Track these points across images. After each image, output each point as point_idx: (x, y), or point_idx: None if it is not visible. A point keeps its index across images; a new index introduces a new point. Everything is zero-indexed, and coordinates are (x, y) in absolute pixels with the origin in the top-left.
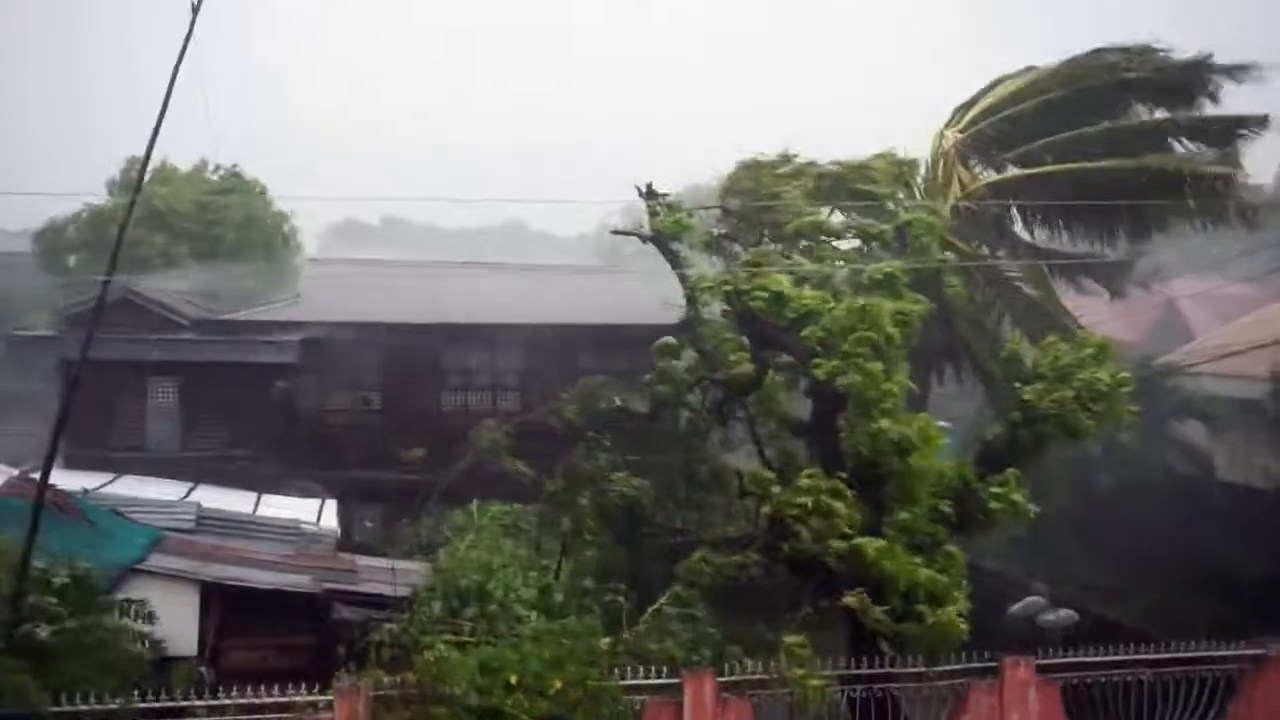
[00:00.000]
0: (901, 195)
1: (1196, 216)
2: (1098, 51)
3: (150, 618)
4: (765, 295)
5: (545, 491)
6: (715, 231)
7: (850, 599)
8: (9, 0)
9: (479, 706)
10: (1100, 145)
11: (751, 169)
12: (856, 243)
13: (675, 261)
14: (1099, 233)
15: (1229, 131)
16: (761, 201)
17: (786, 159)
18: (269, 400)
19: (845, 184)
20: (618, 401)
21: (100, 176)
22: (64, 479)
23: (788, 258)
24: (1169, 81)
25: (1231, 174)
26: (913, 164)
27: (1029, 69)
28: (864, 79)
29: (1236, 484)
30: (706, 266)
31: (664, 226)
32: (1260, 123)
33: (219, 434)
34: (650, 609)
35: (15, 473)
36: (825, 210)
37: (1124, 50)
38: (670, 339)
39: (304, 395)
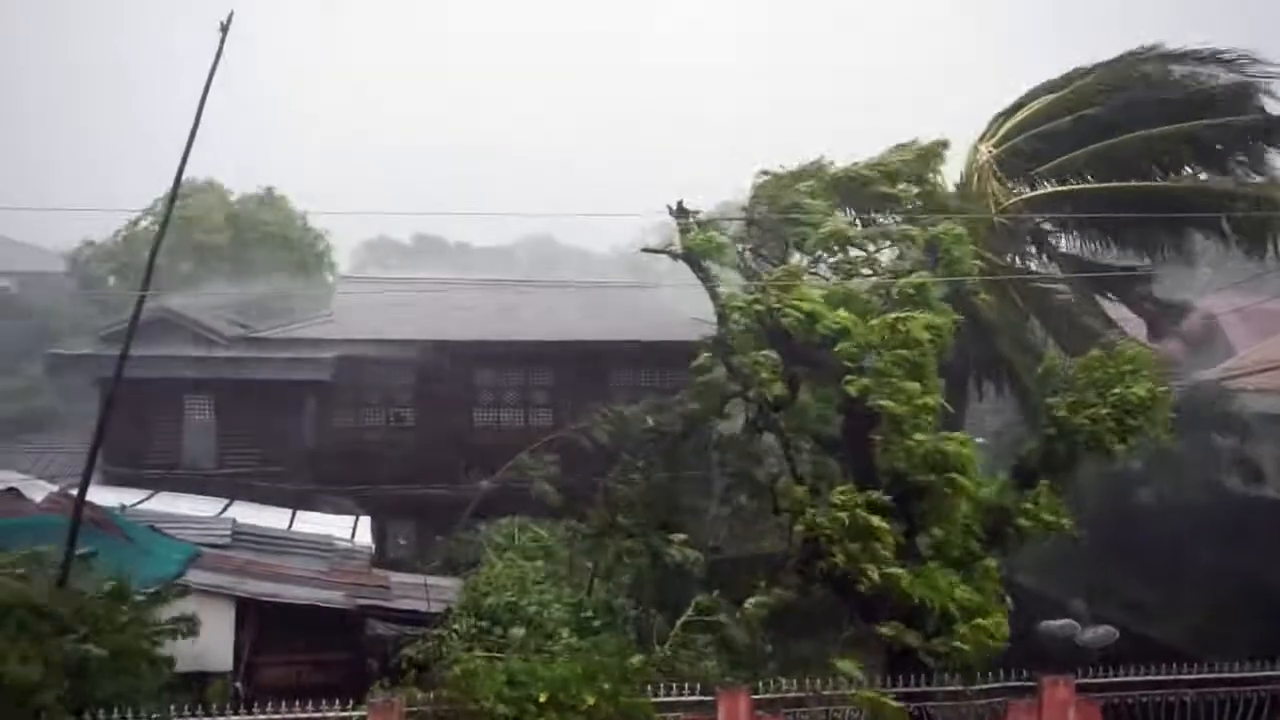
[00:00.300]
0: (931, 178)
1: (1236, 240)
2: (1134, 59)
3: (184, 590)
4: (797, 313)
5: (588, 521)
6: (741, 247)
7: (885, 629)
8: (28, 18)
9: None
10: (1136, 157)
11: (773, 179)
12: (886, 249)
13: (706, 279)
14: (1136, 251)
15: (1268, 138)
16: (785, 214)
17: (814, 167)
18: (303, 417)
19: (870, 186)
20: (649, 422)
21: (142, 196)
22: (102, 495)
23: (814, 273)
24: (1208, 91)
25: (1273, 198)
26: (939, 147)
27: (1064, 78)
28: (899, 81)
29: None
30: (736, 282)
31: (695, 244)
32: None
33: (254, 450)
34: (679, 622)
35: (55, 489)
36: (850, 216)
37: (1161, 57)
38: (707, 356)
39: (338, 412)
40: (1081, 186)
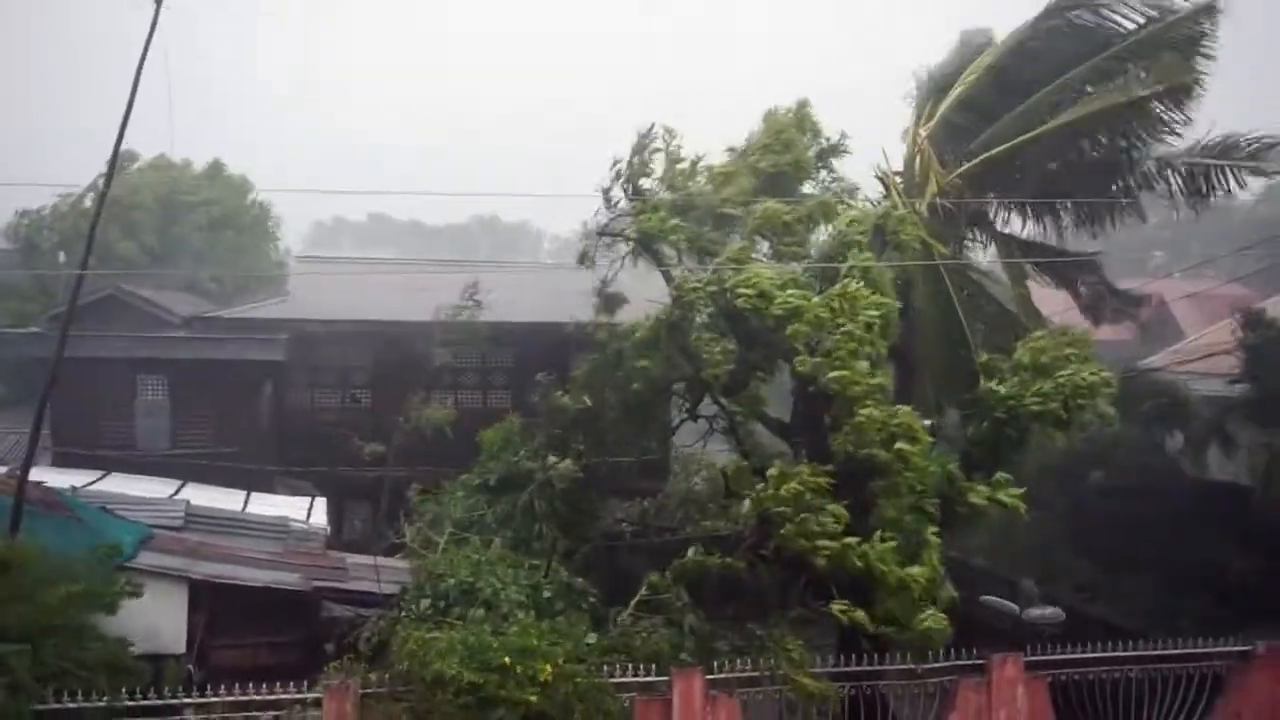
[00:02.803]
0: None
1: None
2: (1041, 16)
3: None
4: (750, 294)
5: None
6: (677, 239)
7: (836, 608)
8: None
9: (470, 685)
10: (1051, 107)
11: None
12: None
13: (659, 262)
14: (1066, 217)
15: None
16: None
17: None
18: (258, 397)
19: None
20: (586, 401)
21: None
22: (53, 477)
23: (748, 259)
24: (1115, 26)
25: (1187, 81)
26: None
27: (976, 47)
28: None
29: (1222, 482)
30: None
31: (648, 228)
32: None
33: (208, 431)
34: (633, 600)
35: (3, 470)
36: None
37: (1069, 7)
38: (649, 335)
39: (293, 393)
40: (1002, 149)
